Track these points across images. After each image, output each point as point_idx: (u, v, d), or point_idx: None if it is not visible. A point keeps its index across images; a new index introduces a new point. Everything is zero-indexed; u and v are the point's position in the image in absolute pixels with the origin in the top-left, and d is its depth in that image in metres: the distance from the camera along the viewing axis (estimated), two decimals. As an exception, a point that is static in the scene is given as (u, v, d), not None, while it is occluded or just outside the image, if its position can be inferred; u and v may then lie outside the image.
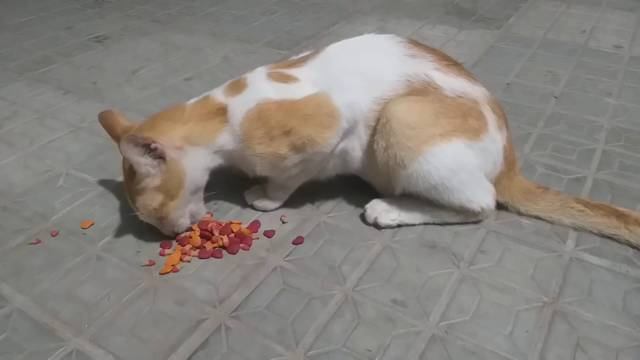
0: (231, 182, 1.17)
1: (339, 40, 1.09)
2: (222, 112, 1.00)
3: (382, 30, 2.06)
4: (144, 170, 0.95)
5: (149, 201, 0.97)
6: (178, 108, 1.03)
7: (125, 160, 0.97)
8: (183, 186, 0.99)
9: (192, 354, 0.82)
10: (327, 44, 1.09)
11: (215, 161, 1.03)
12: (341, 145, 1.01)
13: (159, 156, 0.95)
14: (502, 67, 1.75)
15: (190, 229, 1.04)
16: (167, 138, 0.97)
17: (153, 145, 0.94)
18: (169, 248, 1.01)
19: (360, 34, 1.99)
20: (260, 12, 2.28)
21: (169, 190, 0.97)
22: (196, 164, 1.00)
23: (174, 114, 1.01)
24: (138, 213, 0.99)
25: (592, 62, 1.78)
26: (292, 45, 1.92)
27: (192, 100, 1.05)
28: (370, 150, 1.03)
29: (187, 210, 1.02)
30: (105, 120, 1.08)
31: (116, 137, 1.05)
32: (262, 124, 0.97)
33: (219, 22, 2.18)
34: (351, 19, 2.18)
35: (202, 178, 1.03)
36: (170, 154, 0.96)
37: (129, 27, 2.12)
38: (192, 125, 0.99)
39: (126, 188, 1.01)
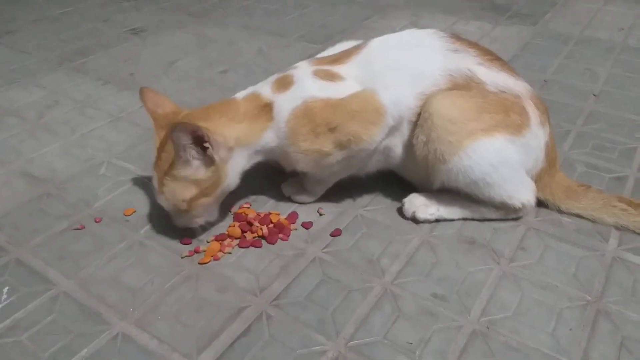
0: (268, 174, 1.18)
1: (372, 35, 1.08)
2: (268, 109, 0.99)
3: (415, 25, 2.05)
4: (188, 159, 0.93)
5: (181, 190, 0.95)
6: (232, 104, 1.01)
7: (165, 141, 0.96)
8: (220, 187, 0.98)
9: (235, 341, 0.83)
10: (361, 39, 1.09)
11: (253, 161, 1.03)
12: (385, 142, 1.01)
13: (208, 153, 0.93)
14: (539, 64, 1.73)
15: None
16: (222, 136, 0.95)
17: (207, 144, 0.92)
18: (198, 251, 1.00)
19: (394, 28, 1.99)
20: (293, 5, 2.29)
21: (207, 188, 0.96)
22: (237, 166, 1.00)
23: (229, 110, 0.99)
24: (161, 197, 0.97)
25: (632, 60, 1.75)
26: (325, 40, 1.92)
27: (241, 95, 1.03)
28: (410, 145, 1.02)
29: (208, 210, 1.01)
30: (148, 97, 1.03)
31: (157, 117, 1.01)
32: (308, 121, 0.97)
33: (252, 15, 2.19)
34: (384, 14, 2.17)
35: (237, 181, 1.02)
36: (221, 154, 0.95)
37: (164, 20, 2.14)
38: (245, 126, 0.98)
39: (157, 169, 0.97)
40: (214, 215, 1.04)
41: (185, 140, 0.91)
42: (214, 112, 0.99)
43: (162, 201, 0.98)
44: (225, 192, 1.02)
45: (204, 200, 0.98)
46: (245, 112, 0.99)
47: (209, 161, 0.95)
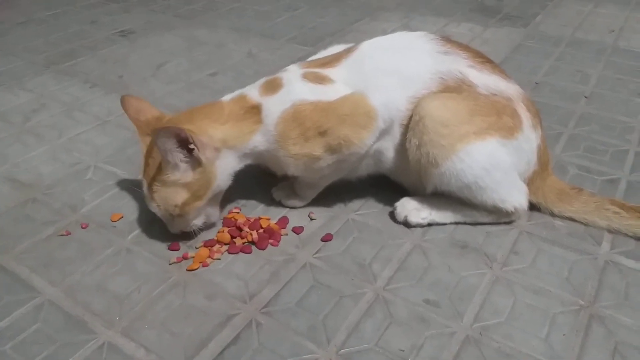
0: (258, 177, 1.16)
1: (363, 37, 1.07)
2: (256, 112, 0.98)
3: (406, 27, 2.04)
4: (176, 163, 0.92)
5: (172, 196, 0.95)
6: (216, 105, 1.00)
7: (151, 148, 0.95)
8: (210, 188, 0.97)
9: (224, 349, 0.81)
10: (352, 41, 1.08)
11: (243, 163, 1.02)
12: (375, 146, 1.00)
13: (194, 154, 0.92)
14: (530, 66, 1.73)
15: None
16: (207, 138, 0.94)
17: (192, 146, 0.91)
18: (186, 257, 0.98)
19: (385, 30, 1.98)
20: (283, 8, 2.28)
21: (197, 191, 0.95)
22: (226, 166, 0.99)
23: (212, 112, 0.98)
24: (153, 204, 0.97)
25: (622, 62, 1.75)
26: (316, 42, 1.91)
27: (228, 98, 1.02)
28: (401, 148, 1.01)
29: (203, 212, 1.00)
30: (130, 105, 1.03)
31: (139, 124, 1.01)
32: (298, 125, 0.96)
33: (242, 17, 2.18)
34: (375, 16, 2.17)
35: (228, 182, 1.01)
36: (207, 155, 0.94)
37: (153, 22, 2.12)
38: (230, 127, 0.97)
39: (146, 176, 0.97)
40: (214, 215, 1.04)
41: (170, 144, 0.90)
42: (197, 115, 0.98)
43: (154, 208, 0.97)
44: (218, 192, 1.01)
45: (197, 204, 0.97)
46: (229, 114, 0.98)
47: (196, 163, 0.94)
